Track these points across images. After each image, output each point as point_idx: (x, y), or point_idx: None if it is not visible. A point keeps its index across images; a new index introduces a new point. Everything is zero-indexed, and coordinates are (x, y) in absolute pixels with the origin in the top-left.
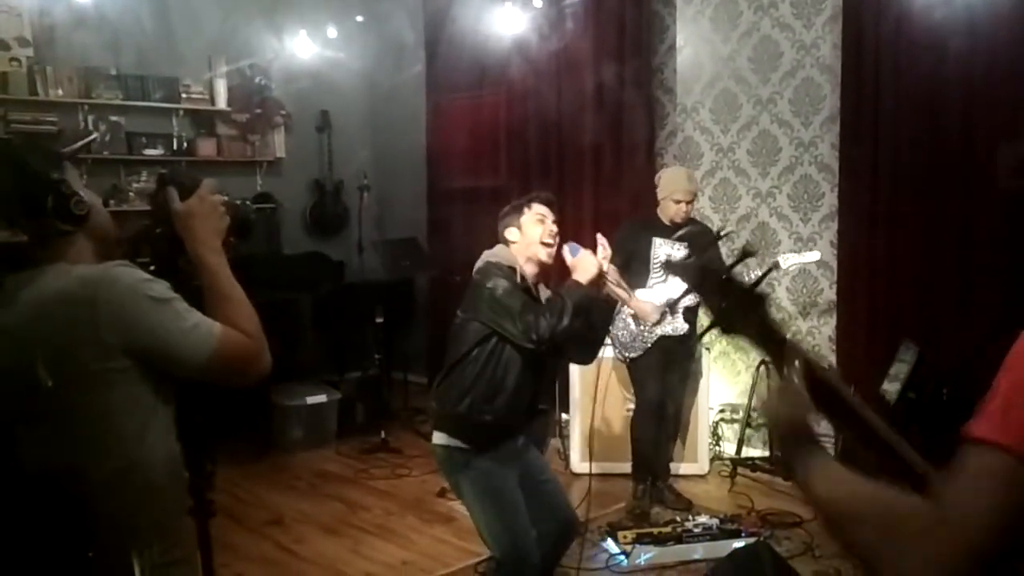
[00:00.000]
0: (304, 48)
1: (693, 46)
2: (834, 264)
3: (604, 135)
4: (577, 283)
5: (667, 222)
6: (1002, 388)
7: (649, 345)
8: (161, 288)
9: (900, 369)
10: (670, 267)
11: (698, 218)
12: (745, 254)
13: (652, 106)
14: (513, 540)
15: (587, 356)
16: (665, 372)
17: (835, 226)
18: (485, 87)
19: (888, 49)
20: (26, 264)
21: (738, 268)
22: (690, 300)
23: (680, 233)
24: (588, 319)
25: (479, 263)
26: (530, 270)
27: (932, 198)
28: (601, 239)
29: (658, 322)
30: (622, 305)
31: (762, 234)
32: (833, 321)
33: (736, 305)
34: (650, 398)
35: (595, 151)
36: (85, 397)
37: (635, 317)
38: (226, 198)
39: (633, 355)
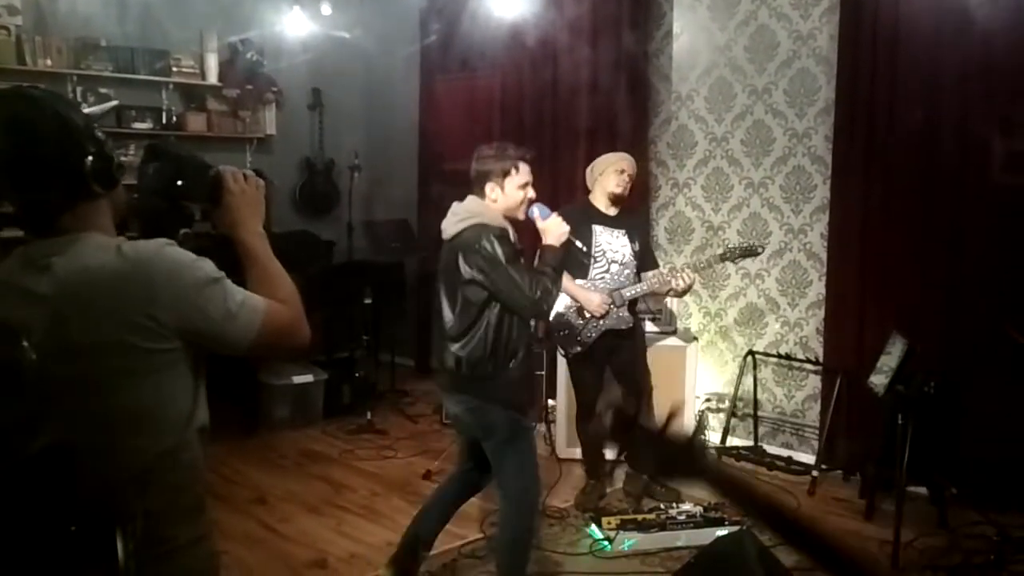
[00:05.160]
0: (298, 24)
1: (689, 33)
2: (824, 256)
3: (598, 120)
4: (552, 247)
5: (604, 205)
6: None
7: (592, 339)
8: (211, 268)
9: (888, 362)
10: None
11: (689, 207)
12: (672, 415)
13: (647, 93)
14: (534, 478)
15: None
16: (613, 367)
17: (826, 218)
18: (479, 69)
19: (885, 42)
20: (45, 229)
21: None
22: (639, 291)
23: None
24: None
25: (462, 224)
26: (507, 225)
27: (925, 192)
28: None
29: (604, 315)
30: (572, 303)
31: (753, 225)
32: (822, 313)
33: (675, 458)
34: (589, 399)
35: (589, 136)
36: (127, 376)
37: (579, 310)
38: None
39: (575, 350)
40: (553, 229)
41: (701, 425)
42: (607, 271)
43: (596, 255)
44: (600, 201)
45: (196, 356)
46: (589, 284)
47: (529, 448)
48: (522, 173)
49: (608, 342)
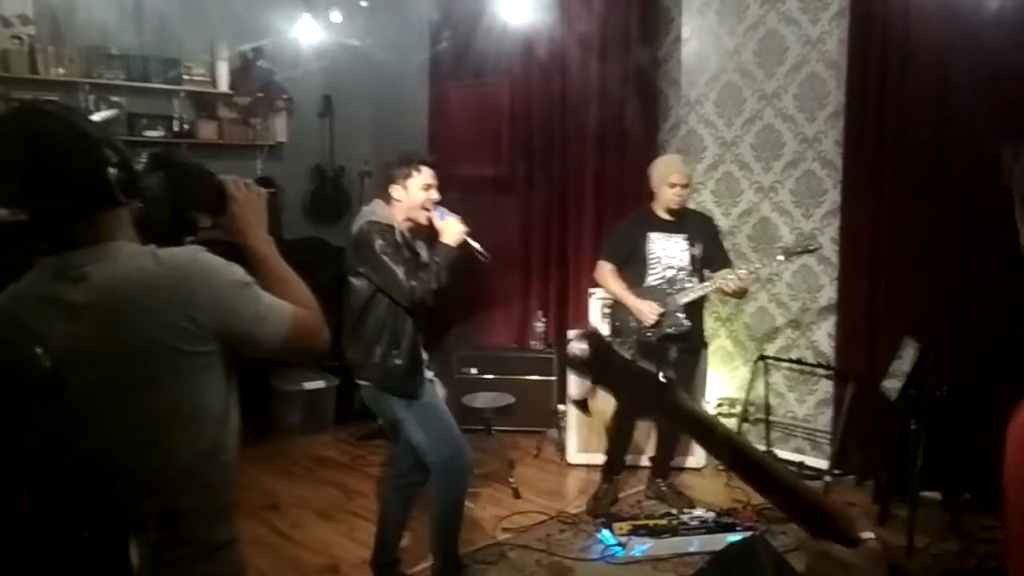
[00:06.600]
0: (308, 32)
1: (698, 39)
2: (835, 260)
3: (607, 126)
4: (446, 246)
5: (663, 211)
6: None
7: (651, 342)
8: (241, 272)
9: (901, 366)
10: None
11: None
12: (642, 344)
13: (656, 98)
14: (453, 444)
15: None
16: (663, 371)
17: (837, 222)
18: (489, 75)
19: (895, 45)
20: (71, 240)
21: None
22: (692, 296)
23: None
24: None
25: (359, 222)
26: (406, 225)
27: (936, 195)
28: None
29: (656, 324)
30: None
31: (763, 229)
32: (833, 318)
33: (643, 393)
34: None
35: (598, 141)
36: (171, 378)
37: (633, 316)
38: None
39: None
40: (449, 229)
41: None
42: (662, 277)
43: (651, 262)
44: (659, 208)
45: (229, 359)
46: (643, 290)
47: (437, 419)
48: (424, 175)
49: (664, 346)
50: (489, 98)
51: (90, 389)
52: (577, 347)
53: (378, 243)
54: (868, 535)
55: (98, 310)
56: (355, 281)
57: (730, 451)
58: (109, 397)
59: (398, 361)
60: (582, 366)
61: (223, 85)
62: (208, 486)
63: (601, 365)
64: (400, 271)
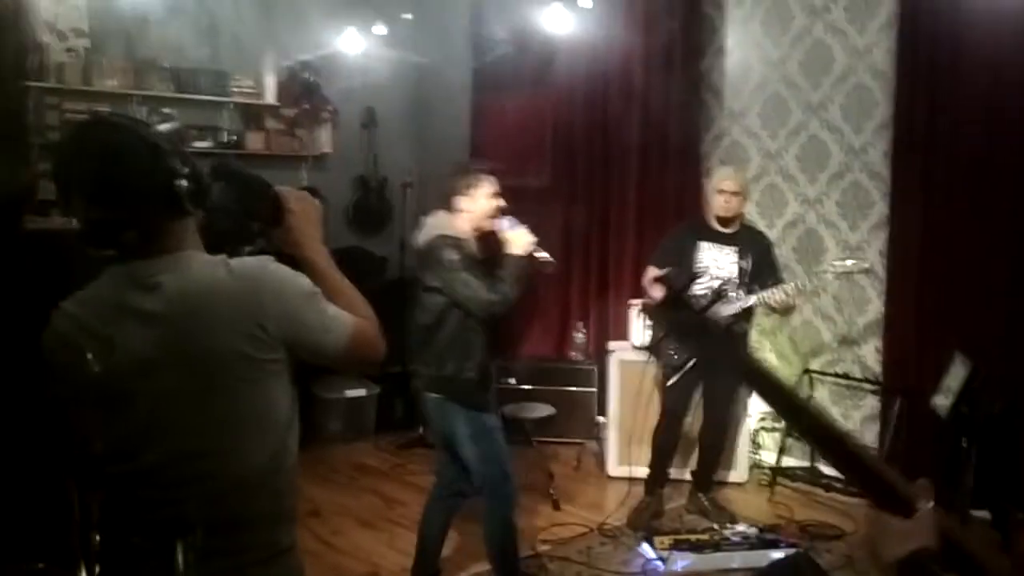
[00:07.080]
0: (352, 45)
1: (742, 49)
2: (883, 274)
3: (650, 136)
4: (514, 256)
5: (713, 219)
6: None
7: (689, 359)
8: (308, 283)
9: (951, 382)
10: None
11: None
12: (718, 295)
13: (699, 109)
14: (503, 468)
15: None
16: (706, 383)
17: (884, 235)
18: (531, 87)
19: (943, 55)
20: (141, 250)
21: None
22: (736, 309)
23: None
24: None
25: (428, 235)
26: (472, 234)
27: (986, 208)
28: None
29: None
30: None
31: (809, 241)
32: (880, 332)
33: (711, 345)
34: (674, 408)
35: (641, 152)
36: (240, 385)
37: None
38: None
39: (674, 364)
40: (517, 240)
41: (738, 315)
42: (709, 287)
43: (700, 271)
44: (711, 218)
45: (294, 366)
46: (688, 298)
47: (494, 442)
48: (488, 184)
49: (707, 360)
50: (532, 109)
51: (160, 396)
52: (652, 293)
53: (453, 258)
54: (924, 505)
55: (172, 318)
56: (427, 295)
57: (797, 411)
58: (179, 404)
59: (471, 374)
60: (655, 312)
61: (270, 97)
62: (276, 490)
63: (672, 311)
64: (480, 285)
